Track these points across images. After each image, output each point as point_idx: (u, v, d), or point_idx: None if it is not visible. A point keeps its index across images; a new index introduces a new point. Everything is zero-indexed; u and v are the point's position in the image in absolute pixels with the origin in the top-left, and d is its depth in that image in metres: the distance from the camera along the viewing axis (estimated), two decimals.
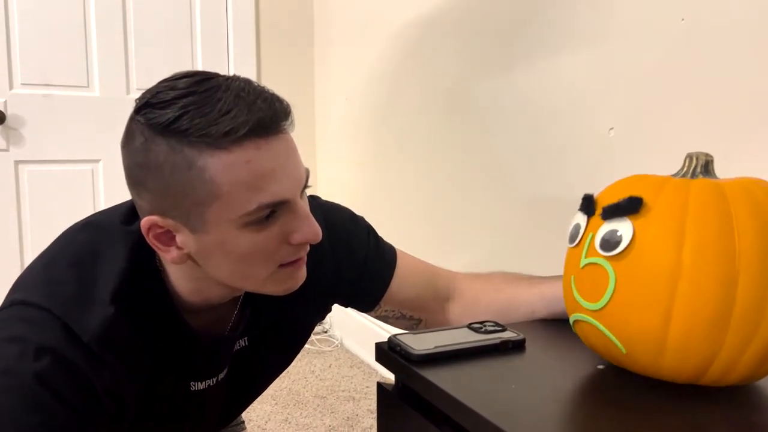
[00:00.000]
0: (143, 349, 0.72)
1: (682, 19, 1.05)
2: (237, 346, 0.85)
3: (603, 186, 0.67)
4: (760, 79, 0.94)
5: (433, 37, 1.74)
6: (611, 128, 1.20)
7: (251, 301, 0.82)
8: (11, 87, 1.98)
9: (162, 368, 0.75)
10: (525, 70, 1.41)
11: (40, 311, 0.67)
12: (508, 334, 0.71)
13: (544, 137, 1.36)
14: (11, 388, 0.63)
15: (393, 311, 0.93)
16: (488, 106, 1.53)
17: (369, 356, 2.19)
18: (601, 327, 0.60)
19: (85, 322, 0.66)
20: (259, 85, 0.68)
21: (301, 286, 0.75)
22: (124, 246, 0.72)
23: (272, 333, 0.87)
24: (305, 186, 0.71)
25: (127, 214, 0.76)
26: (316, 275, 0.82)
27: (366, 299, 0.92)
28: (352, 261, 0.89)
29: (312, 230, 0.70)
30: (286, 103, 0.69)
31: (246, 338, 0.85)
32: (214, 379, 0.82)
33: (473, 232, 1.62)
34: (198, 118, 0.63)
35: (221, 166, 0.63)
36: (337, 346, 2.35)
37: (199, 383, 0.80)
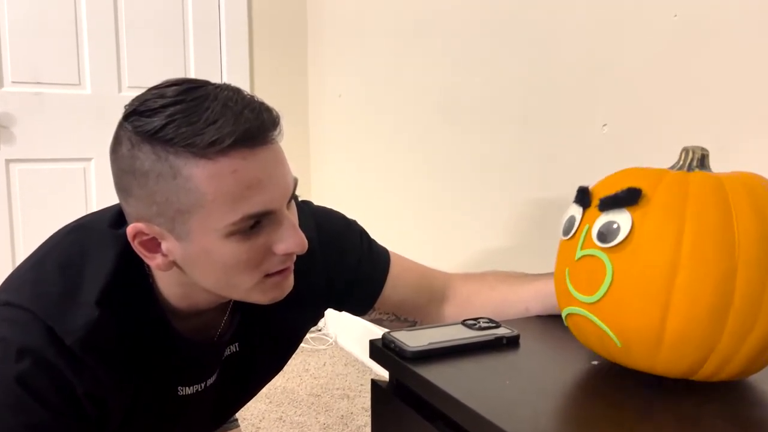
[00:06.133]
0: (129, 353, 0.72)
1: (675, 15, 1.05)
2: (228, 351, 0.84)
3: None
4: (753, 74, 0.95)
5: (427, 34, 1.74)
6: (605, 124, 1.20)
7: (241, 306, 0.82)
8: (1, 85, 1.96)
9: (149, 373, 0.75)
10: (518, 67, 1.41)
11: (24, 313, 0.66)
12: (502, 331, 0.71)
13: (538, 134, 1.36)
14: None
15: (387, 314, 0.93)
16: (482, 104, 1.53)
17: (363, 354, 2.19)
18: (597, 320, 0.60)
19: (68, 324, 0.66)
20: (248, 95, 0.68)
21: (293, 292, 0.75)
22: (112, 249, 0.72)
23: (263, 338, 0.87)
24: (293, 196, 0.71)
25: (117, 217, 0.75)
26: (308, 281, 0.82)
27: (359, 303, 0.92)
28: (344, 266, 0.89)
29: (297, 241, 0.69)
30: (276, 113, 0.68)
31: (237, 344, 0.85)
32: (203, 384, 0.82)
33: (468, 230, 1.62)
34: (184, 127, 0.62)
35: (206, 175, 0.63)
36: (332, 344, 2.35)
37: (187, 388, 0.80)
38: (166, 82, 0.67)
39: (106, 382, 0.69)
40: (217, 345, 0.81)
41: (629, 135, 1.15)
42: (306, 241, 0.70)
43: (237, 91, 0.67)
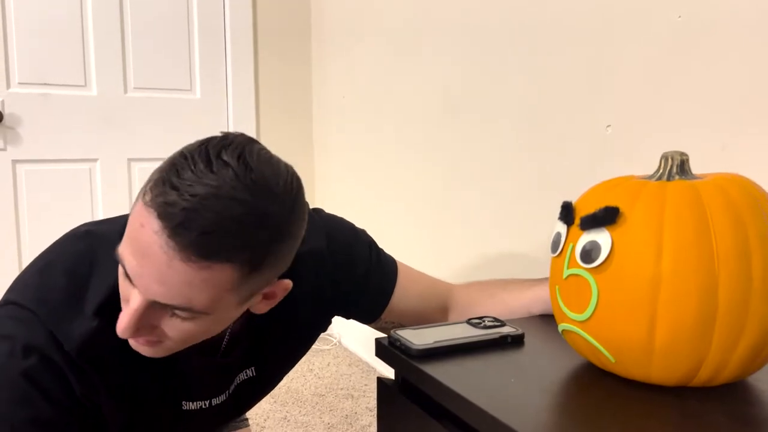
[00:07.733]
0: (127, 365, 0.71)
1: (679, 16, 1.05)
2: (244, 376, 0.84)
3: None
4: (756, 74, 0.95)
5: (429, 35, 1.74)
6: (608, 125, 1.20)
7: (254, 328, 0.81)
8: (8, 86, 1.97)
9: (149, 385, 0.74)
10: (522, 68, 1.41)
11: (28, 313, 0.68)
12: (507, 329, 0.72)
13: (542, 135, 1.37)
14: (0, 384, 0.65)
15: (393, 323, 0.95)
16: (486, 105, 1.54)
17: (367, 354, 2.20)
18: (589, 337, 0.60)
19: (67, 331, 0.67)
20: (238, 207, 0.59)
21: (303, 302, 0.76)
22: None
23: (275, 356, 0.87)
24: (162, 305, 0.62)
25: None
26: (317, 290, 0.83)
27: (367, 313, 0.94)
28: (353, 275, 0.90)
29: (121, 325, 0.63)
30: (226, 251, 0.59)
31: (252, 368, 0.85)
32: (207, 402, 0.81)
33: (472, 233, 1.62)
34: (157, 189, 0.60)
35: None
36: (336, 344, 2.35)
37: (191, 404, 0.80)
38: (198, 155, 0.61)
39: (102, 391, 0.70)
40: (222, 365, 0.80)
41: (633, 136, 1.15)
42: (124, 330, 0.63)
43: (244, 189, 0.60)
